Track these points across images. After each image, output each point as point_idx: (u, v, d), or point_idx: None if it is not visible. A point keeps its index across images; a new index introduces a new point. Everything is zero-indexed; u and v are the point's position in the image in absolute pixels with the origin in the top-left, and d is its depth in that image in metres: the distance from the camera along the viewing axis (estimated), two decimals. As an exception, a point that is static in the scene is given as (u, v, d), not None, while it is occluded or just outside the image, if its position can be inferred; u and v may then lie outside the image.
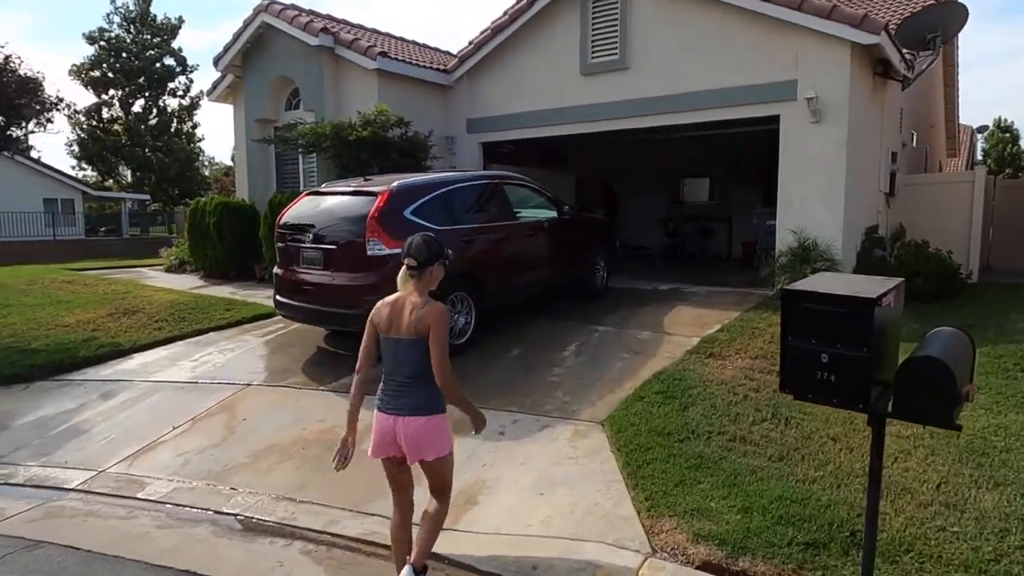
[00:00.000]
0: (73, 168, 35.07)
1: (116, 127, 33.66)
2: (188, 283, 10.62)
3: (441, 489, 3.09)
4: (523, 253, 7.29)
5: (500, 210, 7.15)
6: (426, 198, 6.26)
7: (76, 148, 33.43)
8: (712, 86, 8.84)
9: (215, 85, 12.55)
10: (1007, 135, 32.24)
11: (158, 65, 33.98)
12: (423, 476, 3.11)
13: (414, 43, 12.24)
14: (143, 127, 33.70)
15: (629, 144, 14.92)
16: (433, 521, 3.04)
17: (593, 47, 9.88)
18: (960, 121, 21.68)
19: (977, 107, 60.29)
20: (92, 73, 32.66)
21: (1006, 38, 68.44)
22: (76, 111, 32.49)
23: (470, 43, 11.00)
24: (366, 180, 6.60)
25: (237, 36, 11.39)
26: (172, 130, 35.48)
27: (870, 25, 7.66)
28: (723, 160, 14.34)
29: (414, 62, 10.67)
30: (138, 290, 9.61)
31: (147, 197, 34.15)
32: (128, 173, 35.58)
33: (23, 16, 66.29)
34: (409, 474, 3.12)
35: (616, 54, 9.66)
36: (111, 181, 35.70)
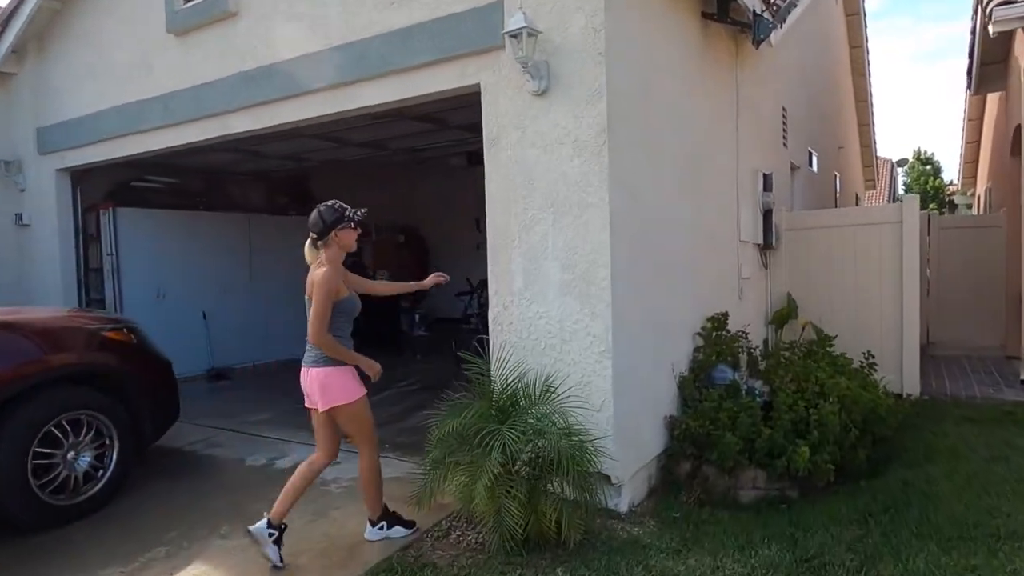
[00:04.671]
0: None
1: None
2: None
3: (354, 439, 3.13)
4: None
5: None
6: None
7: None
8: (363, 34, 4.18)
9: None
10: (928, 167, 29.39)
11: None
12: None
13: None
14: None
15: (435, 171, 10.39)
16: (361, 473, 3.17)
17: (186, -21, 5.15)
18: (878, 152, 18.07)
19: (895, 142, 58.95)
20: None
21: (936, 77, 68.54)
22: None
23: (21, -8, 6.14)
24: None
25: None
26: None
27: None
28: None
29: None
30: None
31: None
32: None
33: None
34: (321, 426, 3.11)
35: (216, -12, 4.94)
36: None
